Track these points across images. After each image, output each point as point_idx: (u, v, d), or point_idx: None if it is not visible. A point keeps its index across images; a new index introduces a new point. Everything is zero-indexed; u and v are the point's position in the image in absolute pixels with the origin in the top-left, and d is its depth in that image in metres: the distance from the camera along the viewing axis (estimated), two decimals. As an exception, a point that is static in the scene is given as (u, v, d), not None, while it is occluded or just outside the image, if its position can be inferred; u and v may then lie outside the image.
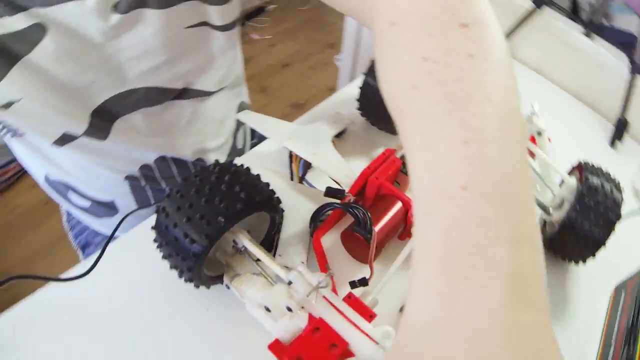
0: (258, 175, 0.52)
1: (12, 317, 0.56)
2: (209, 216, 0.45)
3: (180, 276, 0.51)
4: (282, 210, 0.55)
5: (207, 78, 0.83)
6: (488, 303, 0.27)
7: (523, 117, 0.36)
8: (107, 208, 0.90)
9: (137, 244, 0.62)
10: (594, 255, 0.63)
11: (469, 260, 0.29)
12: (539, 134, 0.70)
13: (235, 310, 0.57)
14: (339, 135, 0.76)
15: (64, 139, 0.73)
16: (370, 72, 0.74)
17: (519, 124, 0.35)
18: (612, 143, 0.90)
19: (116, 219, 0.86)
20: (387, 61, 0.40)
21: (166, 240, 0.47)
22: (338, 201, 0.61)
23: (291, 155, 0.69)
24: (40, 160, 0.83)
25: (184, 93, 0.81)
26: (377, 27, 0.42)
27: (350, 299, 0.48)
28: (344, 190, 0.62)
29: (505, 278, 0.28)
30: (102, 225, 0.95)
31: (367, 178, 0.61)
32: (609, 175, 0.65)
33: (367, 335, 0.44)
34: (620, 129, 0.90)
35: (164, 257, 0.50)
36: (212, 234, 0.45)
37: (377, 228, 0.58)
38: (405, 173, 0.66)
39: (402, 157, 0.66)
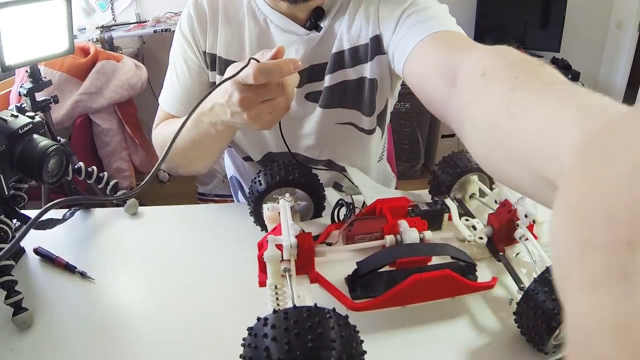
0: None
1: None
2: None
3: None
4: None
5: (346, 160, 1.19)
6: None
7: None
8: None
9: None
10: (550, 335, 0.68)
11: None
12: (534, 221, 0.82)
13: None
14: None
15: (247, 159, 1.19)
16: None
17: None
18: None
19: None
20: (483, 93, 0.55)
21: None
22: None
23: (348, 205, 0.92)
24: (231, 165, 1.33)
25: (328, 164, 1.19)
26: (465, 80, 0.62)
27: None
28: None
29: None
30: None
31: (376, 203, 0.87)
32: None
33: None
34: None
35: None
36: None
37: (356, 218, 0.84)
38: (411, 215, 0.88)
39: (411, 205, 0.89)
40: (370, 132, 1.16)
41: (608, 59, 3.85)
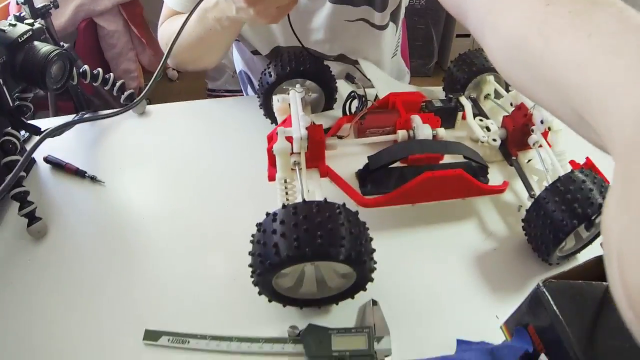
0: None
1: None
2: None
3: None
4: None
5: (359, 55, 1.14)
6: None
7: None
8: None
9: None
10: (556, 246, 0.68)
11: None
12: (549, 129, 0.80)
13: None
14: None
15: (255, 52, 1.16)
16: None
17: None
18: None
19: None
20: (509, 3, 0.48)
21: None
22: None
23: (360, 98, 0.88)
24: (240, 59, 1.30)
25: (340, 58, 1.15)
26: None
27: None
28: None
29: None
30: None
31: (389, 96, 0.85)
32: (600, 179, 0.68)
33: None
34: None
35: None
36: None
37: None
38: (424, 111, 0.85)
39: (424, 101, 0.87)
40: (383, 27, 1.11)
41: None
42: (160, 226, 0.79)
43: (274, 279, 0.58)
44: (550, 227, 0.67)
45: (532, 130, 0.81)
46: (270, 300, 0.62)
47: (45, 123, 0.90)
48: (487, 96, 0.98)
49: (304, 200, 0.57)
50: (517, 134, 0.84)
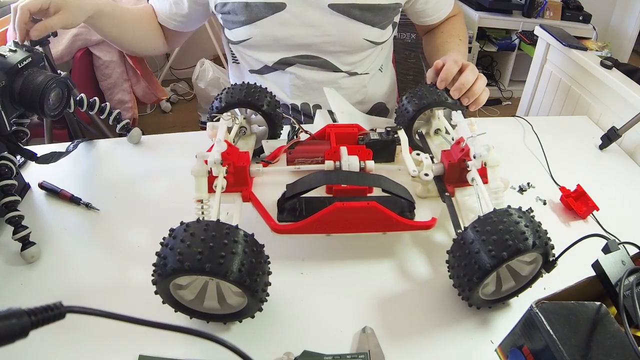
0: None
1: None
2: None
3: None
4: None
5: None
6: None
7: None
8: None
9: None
10: (478, 282, 0.63)
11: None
12: (485, 164, 0.76)
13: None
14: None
15: (252, 71, 1.24)
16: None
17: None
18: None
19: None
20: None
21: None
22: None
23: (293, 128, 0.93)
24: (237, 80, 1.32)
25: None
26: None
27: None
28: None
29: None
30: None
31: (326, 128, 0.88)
32: (529, 216, 0.65)
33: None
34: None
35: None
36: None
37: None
38: (359, 143, 0.87)
39: (362, 134, 0.88)
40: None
41: (622, 2, 3.65)
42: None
43: (174, 290, 0.62)
44: (465, 269, 0.65)
45: (469, 166, 0.79)
46: (175, 311, 0.65)
47: (40, 149, 0.92)
48: (437, 131, 0.98)
49: (199, 219, 0.60)
50: (455, 169, 0.82)
